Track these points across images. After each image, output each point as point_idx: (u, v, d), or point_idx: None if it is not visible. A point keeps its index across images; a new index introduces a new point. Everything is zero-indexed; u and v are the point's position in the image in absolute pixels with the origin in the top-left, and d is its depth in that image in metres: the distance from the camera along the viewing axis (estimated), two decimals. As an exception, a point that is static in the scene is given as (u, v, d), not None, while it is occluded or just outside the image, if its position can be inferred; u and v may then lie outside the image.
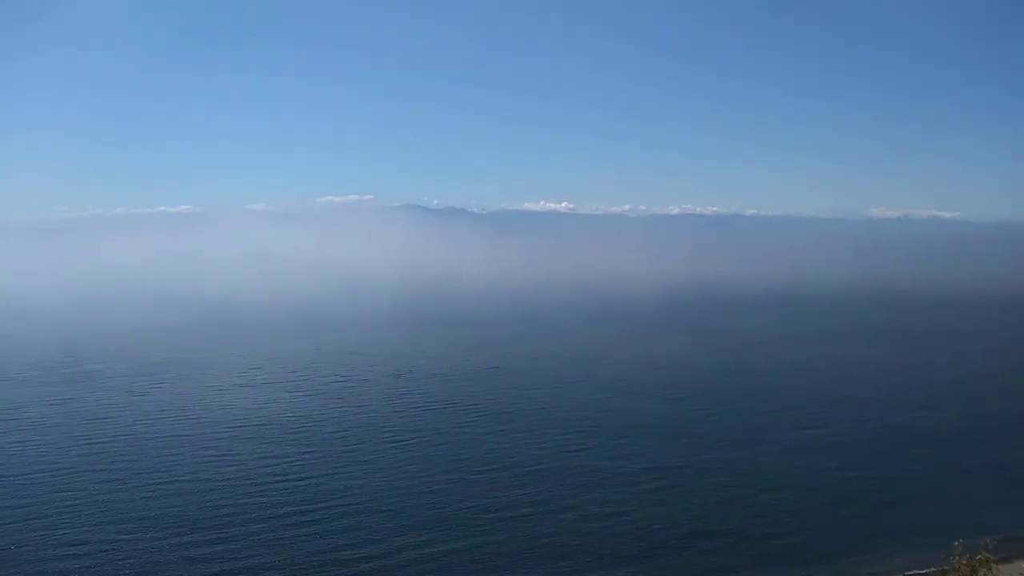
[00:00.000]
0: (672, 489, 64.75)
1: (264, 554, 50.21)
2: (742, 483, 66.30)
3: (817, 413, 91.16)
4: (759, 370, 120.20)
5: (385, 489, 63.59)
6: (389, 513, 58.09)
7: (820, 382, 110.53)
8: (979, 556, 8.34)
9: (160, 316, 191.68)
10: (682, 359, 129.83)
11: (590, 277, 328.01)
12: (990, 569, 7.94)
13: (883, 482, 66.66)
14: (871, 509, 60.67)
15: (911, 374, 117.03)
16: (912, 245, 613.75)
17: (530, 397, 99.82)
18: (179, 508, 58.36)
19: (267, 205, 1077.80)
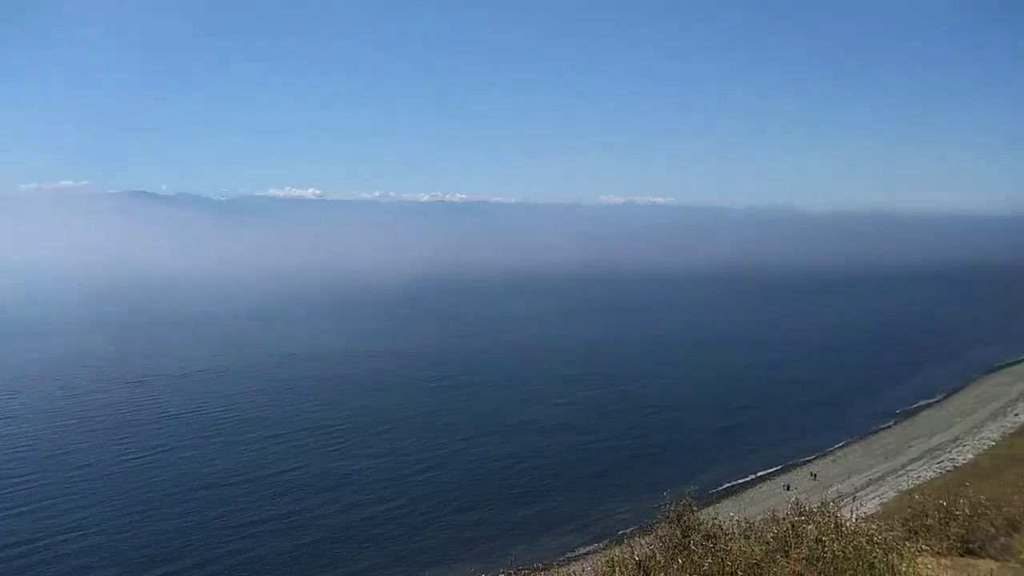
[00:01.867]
0: (430, 481, 65.86)
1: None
2: (500, 464, 69.59)
3: (558, 390, 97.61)
4: (503, 353, 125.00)
5: (123, 516, 56.84)
6: (129, 543, 52.22)
7: (557, 360, 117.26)
8: (683, 502, 10.04)
9: None
10: (432, 347, 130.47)
11: (339, 266, 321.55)
12: (693, 513, 9.59)
13: (617, 448, 74.28)
14: (611, 471, 67.44)
15: (632, 347, 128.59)
16: (634, 228, 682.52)
17: (279, 399, 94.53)
18: None
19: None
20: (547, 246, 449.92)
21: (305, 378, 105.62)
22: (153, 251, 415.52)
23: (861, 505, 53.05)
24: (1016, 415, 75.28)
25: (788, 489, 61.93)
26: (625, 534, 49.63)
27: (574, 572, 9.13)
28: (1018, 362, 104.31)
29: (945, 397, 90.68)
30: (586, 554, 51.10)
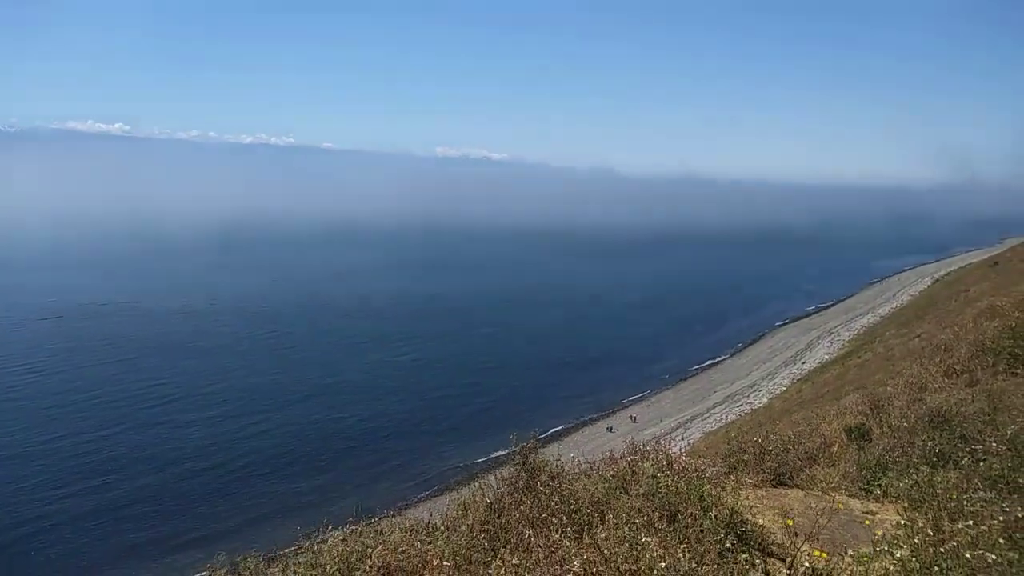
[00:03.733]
0: (257, 449, 64.26)
1: None
2: (329, 426, 69.26)
3: (386, 347, 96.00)
4: (330, 308, 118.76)
5: None
6: None
7: (386, 316, 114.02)
8: (529, 444, 10.40)
9: None
10: (252, 302, 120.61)
11: (146, 211, 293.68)
12: (537, 452, 10.09)
13: (448, 404, 76.04)
14: (443, 425, 69.11)
15: (461, 302, 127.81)
16: (467, 182, 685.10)
17: (75, 360, 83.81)
18: None
19: None
20: (378, 196, 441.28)
21: (101, 336, 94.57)
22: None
23: (674, 444, 57.83)
24: (803, 363, 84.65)
25: (611, 431, 66.39)
26: (474, 475, 51.42)
27: (422, 516, 9.00)
28: (807, 315, 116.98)
29: (745, 347, 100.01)
30: (418, 502, 52.07)
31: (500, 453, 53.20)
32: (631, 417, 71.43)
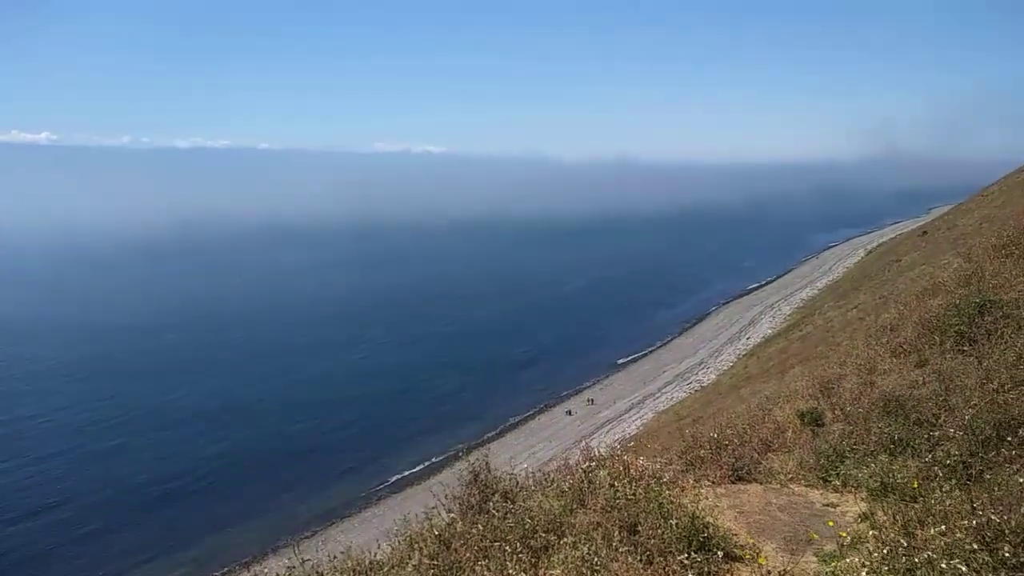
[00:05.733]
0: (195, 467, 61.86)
1: None
2: (277, 437, 67.76)
3: (328, 355, 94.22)
4: (278, 313, 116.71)
5: None
6: None
7: (328, 320, 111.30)
8: (478, 462, 10.20)
9: None
10: (187, 312, 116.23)
11: (75, 222, 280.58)
12: (488, 470, 9.89)
13: (406, 400, 75.80)
14: (401, 423, 68.78)
15: (408, 299, 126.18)
16: (408, 178, 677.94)
17: None
18: None
19: None
20: (320, 195, 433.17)
21: (38, 358, 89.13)
22: None
23: (630, 424, 58.43)
24: (748, 339, 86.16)
25: (570, 414, 67.12)
26: (435, 469, 51.05)
27: (368, 554, 8.37)
28: (748, 292, 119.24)
29: (691, 326, 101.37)
30: (379, 501, 52.25)
31: (460, 446, 52.89)
32: (588, 400, 72.29)
